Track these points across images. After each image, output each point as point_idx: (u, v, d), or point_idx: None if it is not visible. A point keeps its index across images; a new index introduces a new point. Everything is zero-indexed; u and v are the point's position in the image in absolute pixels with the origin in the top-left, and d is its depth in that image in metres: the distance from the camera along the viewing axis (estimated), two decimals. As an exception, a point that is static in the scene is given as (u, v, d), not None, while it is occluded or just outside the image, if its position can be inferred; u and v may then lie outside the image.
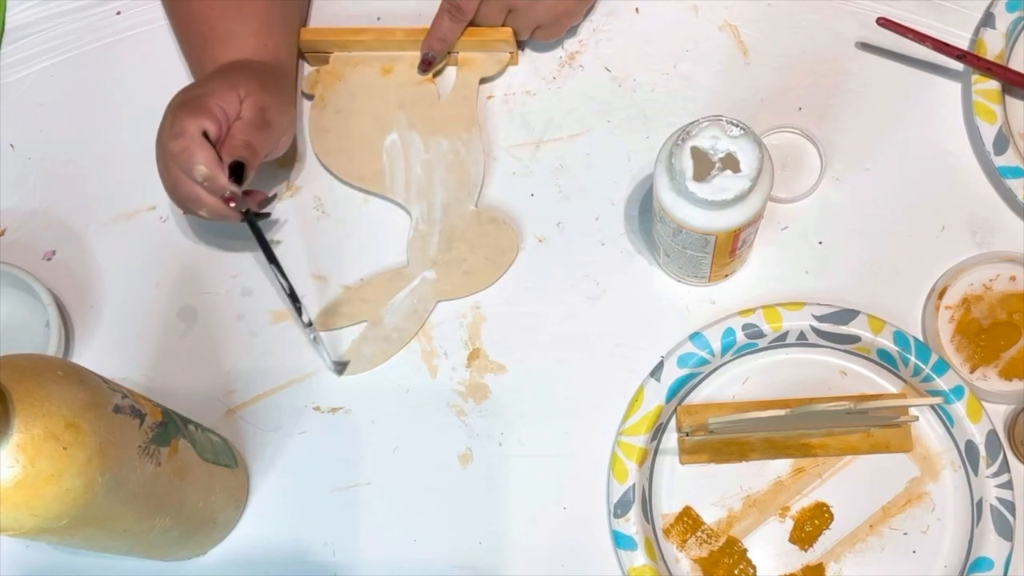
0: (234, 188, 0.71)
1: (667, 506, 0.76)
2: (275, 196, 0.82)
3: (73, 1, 0.88)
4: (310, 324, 0.77)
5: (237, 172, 0.72)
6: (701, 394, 0.78)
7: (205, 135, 0.71)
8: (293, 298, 0.76)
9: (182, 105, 0.72)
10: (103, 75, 0.86)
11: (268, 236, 0.77)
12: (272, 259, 0.75)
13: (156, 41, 0.86)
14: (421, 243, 0.80)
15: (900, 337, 0.75)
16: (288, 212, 0.82)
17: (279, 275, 0.75)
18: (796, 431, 0.75)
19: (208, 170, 0.71)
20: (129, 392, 0.61)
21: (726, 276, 0.79)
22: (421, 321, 0.79)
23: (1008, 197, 0.79)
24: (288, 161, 0.83)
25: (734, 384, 0.78)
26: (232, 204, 0.72)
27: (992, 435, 0.73)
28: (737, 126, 0.66)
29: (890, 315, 0.76)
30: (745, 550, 0.74)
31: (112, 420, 0.58)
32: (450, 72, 0.84)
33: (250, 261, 0.81)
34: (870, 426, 0.75)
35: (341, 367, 0.79)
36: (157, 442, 0.62)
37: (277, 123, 0.75)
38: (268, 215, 0.79)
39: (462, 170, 0.81)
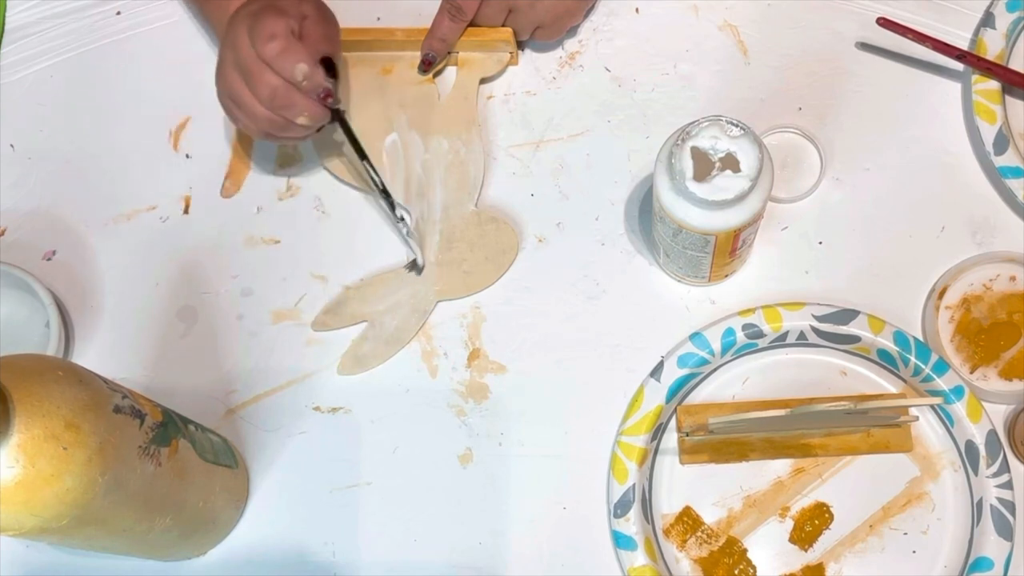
0: (329, 83, 0.72)
1: (667, 506, 0.76)
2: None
3: (73, 1, 0.88)
4: (402, 219, 0.78)
5: (330, 67, 0.73)
6: (701, 394, 0.78)
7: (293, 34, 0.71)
8: (385, 194, 0.77)
9: (261, 12, 0.72)
10: (103, 75, 0.86)
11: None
12: (363, 154, 0.77)
13: (156, 41, 0.86)
14: (421, 243, 0.80)
15: (900, 337, 0.75)
16: (288, 212, 0.82)
17: (370, 169, 0.77)
18: (796, 431, 0.75)
19: (308, 67, 0.71)
20: (129, 392, 0.61)
21: (726, 276, 0.79)
22: (421, 321, 0.79)
23: (1008, 197, 0.79)
24: (288, 161, 0.83)
25: (734, 384, 0.78)
26: (328, 100, 0.72)
27: (992, 435, 0.73)
28: (737, 126, 0.66)
29: (890, 315, 0.76)
30: (745, 550, 0.74)
31: (112, 420, 0.58)
32: (450, 72, 0.84)
33: (250, 261, 0.81)
34: (870, 426, 0.75)
35: (420, 269, 0.80)
36: (157, 442, 0.62)
37: (334, 19, 0.76)
38: (346, 110, 0.78)
39: (462, 170, 0.81)
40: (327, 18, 0.75)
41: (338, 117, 0.75)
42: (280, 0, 0.73)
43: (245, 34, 0.71)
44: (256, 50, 0.71)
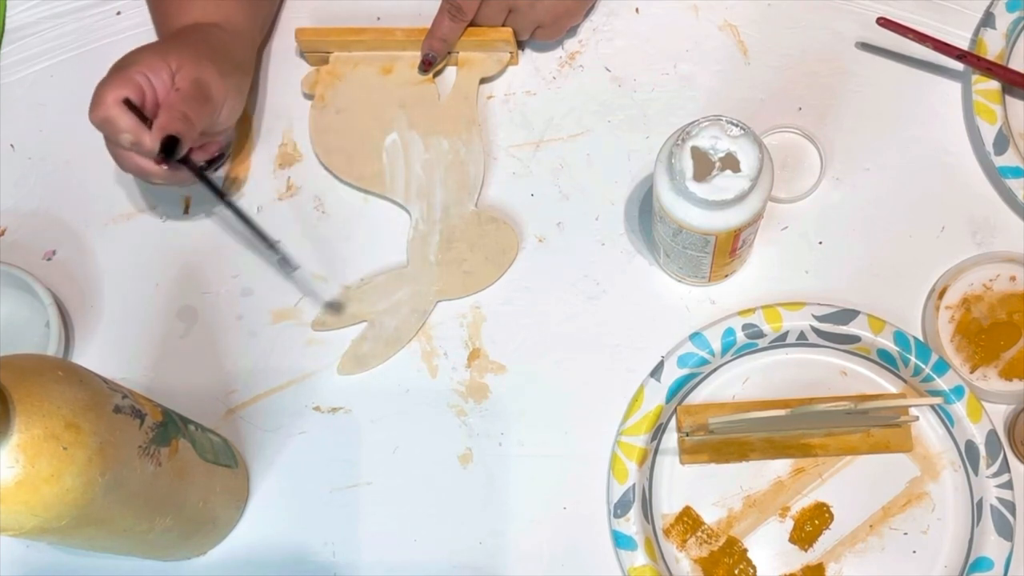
0: (157, 156, 0.72)
1: (667, 506, 0.76)
2: (228, 147, 0.81)
3: (73, 1, 0.88)
4: (285, 260, 0.76)
5: (169, 146, 0.71)
6: (701, 394, 0.78)
7: (128, 102, 0.71)
8: (262, 237, 0.76)
9: (111, 72, 0.73)
10: (103, 75, 0.86)
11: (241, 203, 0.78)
12: (227, 201, 0.76)
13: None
14: (421, 243, 0.80)
15: (900, 337, 0.75)
16: (288, 212, 0.82)
17: (242, 220, 0.76)
18: (796, 431, 0.75)
19: (132, 136, 0.71)
20: (129, 392, 0.61)
21: (726, 276, 0.79)
22: (421, 321, 0.79)
23: (1008, 197, 0.79)
24: (288, 161, 0.83)
25: (734, 384, 0.78)
26: (164, 166, 0.72)
27: (992, 435, 0.73)
28: (737, 126, 0.66)
29: (890, 315, 0.76)
30: (745, 550, 0.74)
31: (112, 420, 0.58)
32: (450, 72, 0.84)
33: (250, 261, 0.81)
34: (870, 426, 0.75)
35: (338, 307, 0.79)
36: (157, 442, 0.62)
37: (217, 94, 0.75)
38: (220, 159, 0.78)
39: (462, 170, 0.81)
40: (197, 96, 0.73)
41: (194, 172, 0.74)
42: (136, 66, 0.72)
43: (93, 93, 0.73)
44: (90, 109, 0.72)
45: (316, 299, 0.79)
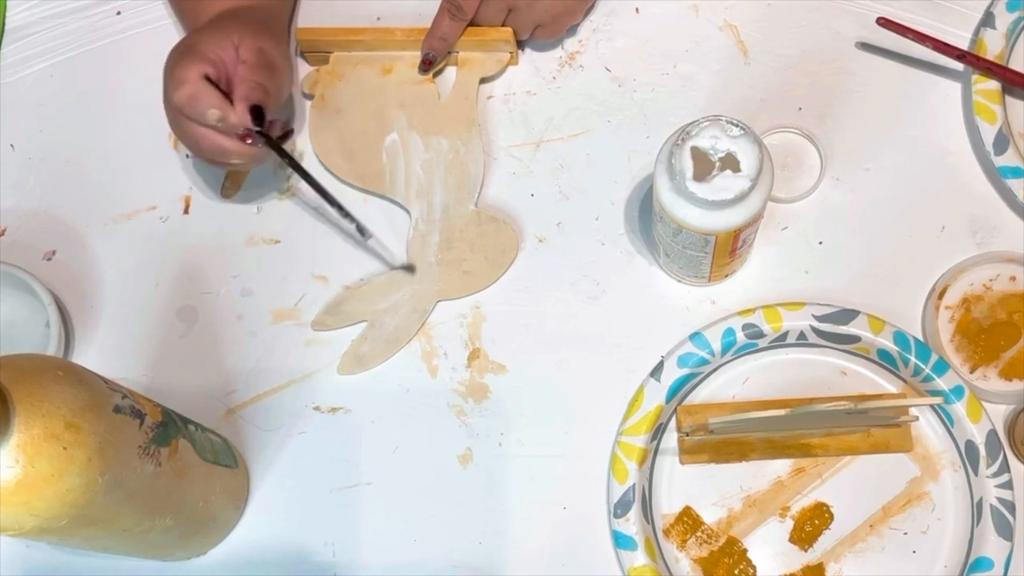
0: (248, 124, 0.72)
1: (667, 506, 0.76)
2: (290, 121, 0.82)
3: (73, 1, 0.88)
4: (361, 228, 0.77)
5: (258, 115, 0.73)
6: (701, 394, 0.78)
7: (208, 79, 0.71)
8: (338, 207, 0.76)
9: (178, 55, 0.73)
10: (103, 75, 0.86)
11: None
12: (304, 174, 0.76)
13: (156, 41, 0.86)
14: (421, 243, 0.80)
15: (900, 337, 0.75)
16: (288, 212, 0.82)
17: (320, 192, 0.76)
18: (796, 431, 0.75)
19: (220, 111, 0.71)
20: (129, 392, 0.61)
21: (726, 276, 0.79)
22: (421, 321, 0.79)
23: (1008, 197, 0.79)
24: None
25: (734, 384, 0.78)
26: (248, 141, 0.73)
27: (992, 435, 0.73)
28: (737, 126, 0.66)
29: (890, 315, 0.76)
30: (745, 550, 0.74)
31: (112, 420, 0.58)
32: (450, 72, 0.84)
33: (250, 261, 0.81)
34: (870, 426, 0.75)
35: (411, 269, 0.80)
36: (157, 442, 0.62)
37: (280, 63, 0.76)
38: (291, 132, 0.79)
39: (462, 170, 0.81)
40: (267, 65, 0.74)
41: (270, 145, 0.74)
42: (204, 43, 0.73)
43: (167, 78, 0.73)
44: (168, 95, 0.72)
45: (388, 265, 0.79)
